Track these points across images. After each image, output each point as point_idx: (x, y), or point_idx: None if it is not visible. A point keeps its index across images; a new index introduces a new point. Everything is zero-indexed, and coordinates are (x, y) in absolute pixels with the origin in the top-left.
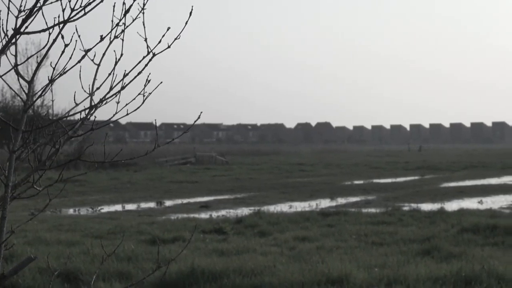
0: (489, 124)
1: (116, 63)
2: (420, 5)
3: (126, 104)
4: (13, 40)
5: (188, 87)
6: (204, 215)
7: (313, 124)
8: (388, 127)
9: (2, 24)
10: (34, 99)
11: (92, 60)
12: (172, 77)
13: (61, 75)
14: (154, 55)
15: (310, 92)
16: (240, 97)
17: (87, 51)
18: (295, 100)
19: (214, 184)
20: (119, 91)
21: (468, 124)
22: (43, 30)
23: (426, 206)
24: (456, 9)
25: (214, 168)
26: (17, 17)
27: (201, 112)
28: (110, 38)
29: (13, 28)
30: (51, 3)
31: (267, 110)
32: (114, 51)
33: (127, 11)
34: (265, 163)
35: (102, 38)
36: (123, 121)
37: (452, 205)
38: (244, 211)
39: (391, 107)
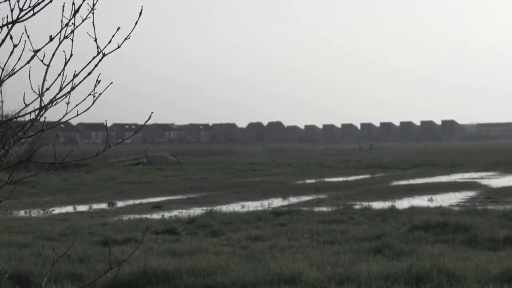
0: (438, 122)
1: (65, 63)
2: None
3: (77, 105)
4: None
5: (140, 87)
6: (156, 216)
7: (265, 123)
8: (339, 126)
9: None
10: None
11: (42, 61)
12: (124, 77)
13: (10, 76)
14: (104, 55)
15: (262, 92)
16: (192, 97)
17: (36, 51)
18: (247, 99)
19: (166, 185)
20: (69, 92)
21: (418, 123)
22: None
23: (377, 205)
24: (407, 5)
25: (166, 168)
26: None
27: (152, 113)
28: (60, 38)
29: None
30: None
31: (219, 109)
32: (64, 51)
33: (76, 11)
34: (217, 163)
35: (51, 39)
36: (74, 122)
37: (402, 203)
38: (197, 211)
39: (342, 106)
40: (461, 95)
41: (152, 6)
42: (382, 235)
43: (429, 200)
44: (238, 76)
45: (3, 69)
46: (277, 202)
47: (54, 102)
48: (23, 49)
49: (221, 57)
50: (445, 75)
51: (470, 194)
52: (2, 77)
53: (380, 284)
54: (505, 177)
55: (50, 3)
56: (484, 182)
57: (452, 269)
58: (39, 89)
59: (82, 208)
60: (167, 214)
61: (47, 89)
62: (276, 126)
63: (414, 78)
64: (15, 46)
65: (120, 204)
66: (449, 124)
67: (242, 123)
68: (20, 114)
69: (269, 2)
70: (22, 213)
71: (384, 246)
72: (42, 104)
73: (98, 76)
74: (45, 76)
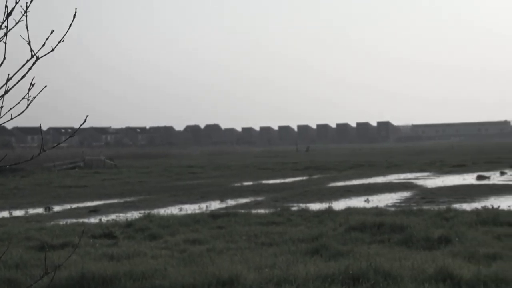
0: (374, 124)
1: None
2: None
3: (10, 109)
4: None
5: (77, 91)
6: (93, 220)
7: (202, 126)
8: (276, 128)
9: None
10: None
11: None
12: (60, 80)
13: None
14: (37, 58)
15: (198, 95)
16: (129, 100)
17: None
18: (184, 102)
19: (104, 188)
20: (2, 96)
21: (354, 124)
22: None
23: (315, 206)
24: (336, 9)
25: (103, 172)
26: None
27: (87, 116)
28: None
29: None
30: None
31: (156, 113)
32: None
33: (9, 14)
34: (155, 166)
35: None
36: (9, 126)
37: (339, 204)
38: (134, 214)
39: (279, 108)
40: (395, 96)
41: (86, 8)
42: (319, 236)
43: (365, 201)
44: (175, 79)
45: None
46: (215, 205)
47: None
48: None
49: (157, 59)
50: (379, 77)
51: (405, 194)
52: None
53: (318, 285)
54: (440, 177)
55: None
56: (419, 182)
57: (388, 269)
58: None
59: (18, 213)
60: (104, 218)
61: None
62: (213, 128)
63: (349, 80)
64: None
65: (57, 208)
66: (384, 126)
67: (179, 126)
68: None
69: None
70: None
71: (321, 247)
72: None
73: (32, 80)
74: None
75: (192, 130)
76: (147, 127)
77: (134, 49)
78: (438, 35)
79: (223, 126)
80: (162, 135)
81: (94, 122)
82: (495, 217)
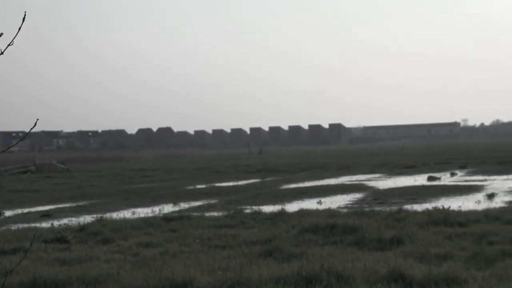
0: (326, 126)
1: None
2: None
3: None
4: None
5: (28, 94)
6: (45, 224)
7: (155, 129)
8: (228, 130)
9: None
10: None
11: None
12: (11, 83)
13: None
14: None
15: (151, 97)
16: (80, 103)
17: None
18: (136, 105)
19: (56, 193)
20: None
21: (306, 127)
22: None
23: (268, 208)
24: (286, 15)
25: (55, 176)
26: None
27: (38, 119)
28: None
29: None
30: None
31: (108, 116)
32: None
33: None
34: (107, 169)
35: None
36: None
37: (292, 206)
38: (87, 218)
39: (231, 111)
40: (347, 99)
41: (35, 10)
42: (273, 238)
43: (318, 202)
44: (127, 82)
45: None
46: (168, 208)
47: None
48: None
49: (109, 60)
50: (331, 80)
51: (357, 196)
52: None
53: (271, 287)
54: (391, 178)
55: None
56: (371, 184)
57: (341, 270)
58: None
59: None
60: (56, 223)
61: None
62: (166, 131)
63: (301, 83)
64: None
65: (8, 213)
66: (336, 128)
67: (131, 129)
68: None
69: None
70: None
71: (275, 249)
72: None
73: None
74: None
75: (145, 133)
76: (99, 130)
77: (88, 48)
78: (389, 41)
79: (176, 129)
80: (114, 139)
81: (45, 125)
82: (445, 217)
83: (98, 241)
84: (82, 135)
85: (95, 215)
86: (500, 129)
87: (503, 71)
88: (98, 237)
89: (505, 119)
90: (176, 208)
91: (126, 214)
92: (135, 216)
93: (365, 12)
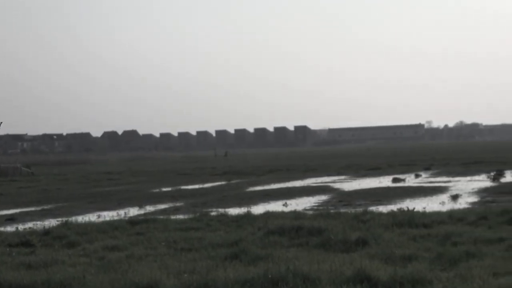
0: (291, 128)
1: None
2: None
3: None
4: None
5: None
6: (10, 228)
7: (120, 132)
8: (194, 133)
9: None
10: None
11: None
12: None
13: None
14: None
15: (116, 100)
16: (46, 106)
17: None
18: (101, 108)
19: (20, 196)
20: None
21: (271, 129)
22: None
23: (234, 211)
24: (262, 18)
25: (19, 179)
26: None
27: (1, 122)
28: None
29: None
30: None
31: (73, 119)
32: None
33: None
34: (72, 173)
35: None
36: None
37: (258, 209)
38: (52, 222)
39: (197, 113)
40: (312, 101)
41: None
42: (239, 241)
43: (283, 204)
44: (91, 84)
45: None
46: (133, 211)
47: None
48: None
49: (75, 63)
50: (295, 81)
51: (323, 198)
52: None
53: None
54: (356, 180)
55: None
56: (337, 185)
57: (307, 272)
58: None
59: None
60: (21, 226)
61: None
62: (131, 134)
63: (265, 85)
64: None
65: None
66: (302, 130)
67: (96, 132)
68: None
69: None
70: None
71: (241, 251)
72: None
73: None
74: None
75: (110, 136)
76: (64, 133)
77: (53, 52)
78: (357, 41)
79: (141, 132)
80: (80, 142)
81: (9, 129)
82: (410, 219)
83: (64, 244)
84: (47, 138)
85: (60, 219)
86: (463, 130)
87: (466, 74)
88: (64, 241)
89: (468, 120)
90: (142, 211)
91: (92, 217)
92: (101, 219)
93: (339, 14)
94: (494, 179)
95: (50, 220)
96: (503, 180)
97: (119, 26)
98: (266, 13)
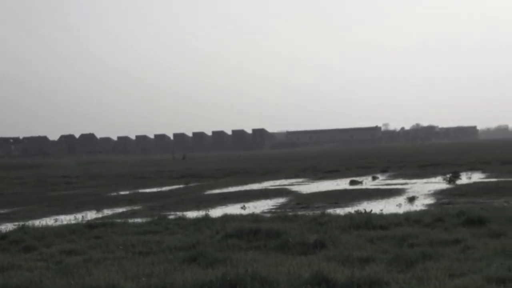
0: (249, 131)
1: None
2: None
3: None
4: None
5: None
6: None
7: (77, 135)
8: (152, 136)
9: None
10: None
11: None
12: None
13: None
14: None
15: (73, 104)
16: (1, 109)
17: None
18: (58, 112)
19: None
20: None
21: (229, 132)
22: None
23: (192, 214)
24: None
25: None
26: None
27: None
28: None
29: None
30: None
31: (29, 122)
32: None
33: None
34: (29, 176)
35: None
36: None
37: (216, 212)
38: (9, 226)
39: (154, 117)
40: (270, 104)
41: None
42: (197, 244)
43: (242, 207)
44: (49, 88)
45: None
46: (91, 215)
47: None
48: None
49: (32, 65)
50: (253, 85)
51: (281, 200)
52: None
53: None
54: (314, 183)
55: None
56: (294, 188)
57: (265, 275)
58: None
59: None
60: None
61: None
62: (88, 138)
63: (224, 88)
64: None
65: None
66: (259, 133)
67: (53, 136)
68: None
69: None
70: None
71: (199, 254)
72: None
73: None
74: None
75: (67, 139)
76: (21, 137)
77: (10, 51)
78: (311, 40)
79: (99, 135)
80: (36, 145)
81: None
82: (367, 221)
83: (20, 249)
84: (3, 142)
85: (17, 223)
86: (420, 133)
87: (422, 77)
88: (20, 245)
89: (424, 123)
90: (100, 215)
91: (49, 221)
92: (58, 223)
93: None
94: (450, 181)
95: (7, 224)
96: (458, 182)
97: (79, 26)
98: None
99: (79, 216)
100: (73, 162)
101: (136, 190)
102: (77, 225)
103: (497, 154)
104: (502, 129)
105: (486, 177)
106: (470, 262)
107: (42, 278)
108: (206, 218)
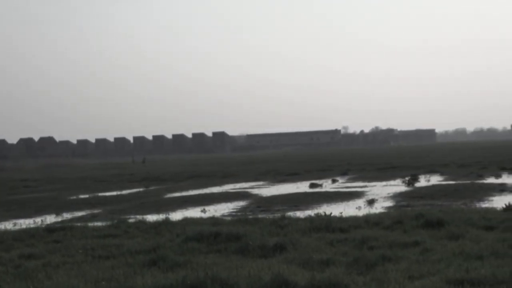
0: (209, 134)
1: None
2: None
3: None
4: None
5: None
6: None
7: (36, 139)
8: (112, 140)
9: None
10: None
11: None
12: None
13: None
14: None
15: (32, 107)
16: None
17: None
18: (16, 114)
19: None
20: None
21: (189, 135)
22: None
23: (152, 217)
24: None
25: None
26: None
27: None
28: None
29: None
30: None
31: None
32: None
33: None
34: None
35: None
36: None
37: (176, 215)
38: None
39: (114, 120)
40: (230, 107)
41: None
42: (157, 247)
43: (202, 211)
44: (6, 90)
45: None
46: (50, 219)
47: None
48: None
49: None
50: (212, 88)
51: (241, 203)
52: None
53: None
54: (274, 186)
55: None
56: (255, 191)
57: (225, 278)
58: None
59: None
60: None
61: None
62: (48, 141)
63: (184, 90)
64: None
65: None
66: (220, 136)
67: (12, 139)
68: None
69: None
70: None
71: (159, 258)
72: None
73: None
74: None
75: (26, 143)
76: None
77: None
78: (272, 47)
79: (58, 138)
80: None
81: None
82: (327, 223)
83: None
84: None
85: None
86: (379, 135)
87: (381, 81)
88: None
89: (383, 126)
90: (59, 219)
91: (8, 225)
92: (17, 227)
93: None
94: (409, 183)
95: None
96: (417, 184)
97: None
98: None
99: (38, 220)
100: (32, 166)
101: (96, 194)
102: (37, 229)
103: (455, 157)
104: (460, 132)
105: (445, 180)
106: (429, 264)
107: (0, 282)
108: (167, 221)
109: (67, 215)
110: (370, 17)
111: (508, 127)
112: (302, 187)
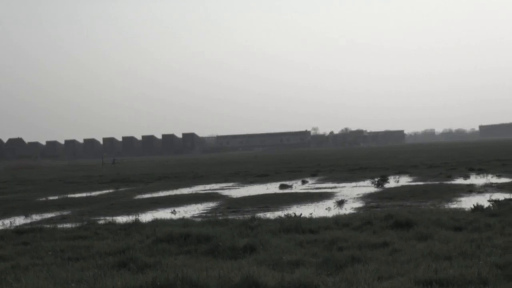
0: (179, 135)
1: None
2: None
3: None
4: None
5: None
6: None
7: (5, 140)
8: (81, 141)
9: None
10: None
11: None
12: None
13: None
14: None
15: (1, 108)
16: None
17: None
18: None
19: None
20: None
21: (159, 136)
22: None
23: (122, 219)
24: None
25: None
26: None
27: None
28: None
29: None
30: None
31: None
32: None
33: None
34: None
35: None
36: None
37: (146, 217)
38: None
39: (84, 121)
40: (199, 109)
41: None
42: (127, 249)
43: (172, 212)
44: None
45: None
46: (19, 220)
47: None
48: None
49: None
50: (182, 89)
51: (211, 205)
52: None
53: None
54: (244, 187)
55: None
56: (225, 192)
57: (195, 279)
58: None
59: None
60: None
61: None
62: (16, 142)
63: (153, 93)
64: None
65: None
66: (190, 137)
67: None
68: None
69: None
70: None
71: (129, 260)
72: None
73: None
74: None
75: None
76: None
77: None
78: (240, 46)
79: (27, 139)
80: None
81: None
82: (297, 224)
83: None
84: None
85: None
86: (348, 137)
87: (351, 81)
88: None
89: (353, 127)
90: (28, 220)
91: None
92: None
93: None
94: (378, 184)
95: None
96: (386, 185)
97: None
98: None
99: (7, 222)
100: (1, 167)
101: (65, 195)
102: (5, 231)
103: (424, 158)
104: (429, 134)
105: (414, 181)
106: (398, 264)
107: None
108: (136, 223)
109: (36, 217)
110: (336, 15)
111: (476, 129)
112: (272, 188)
